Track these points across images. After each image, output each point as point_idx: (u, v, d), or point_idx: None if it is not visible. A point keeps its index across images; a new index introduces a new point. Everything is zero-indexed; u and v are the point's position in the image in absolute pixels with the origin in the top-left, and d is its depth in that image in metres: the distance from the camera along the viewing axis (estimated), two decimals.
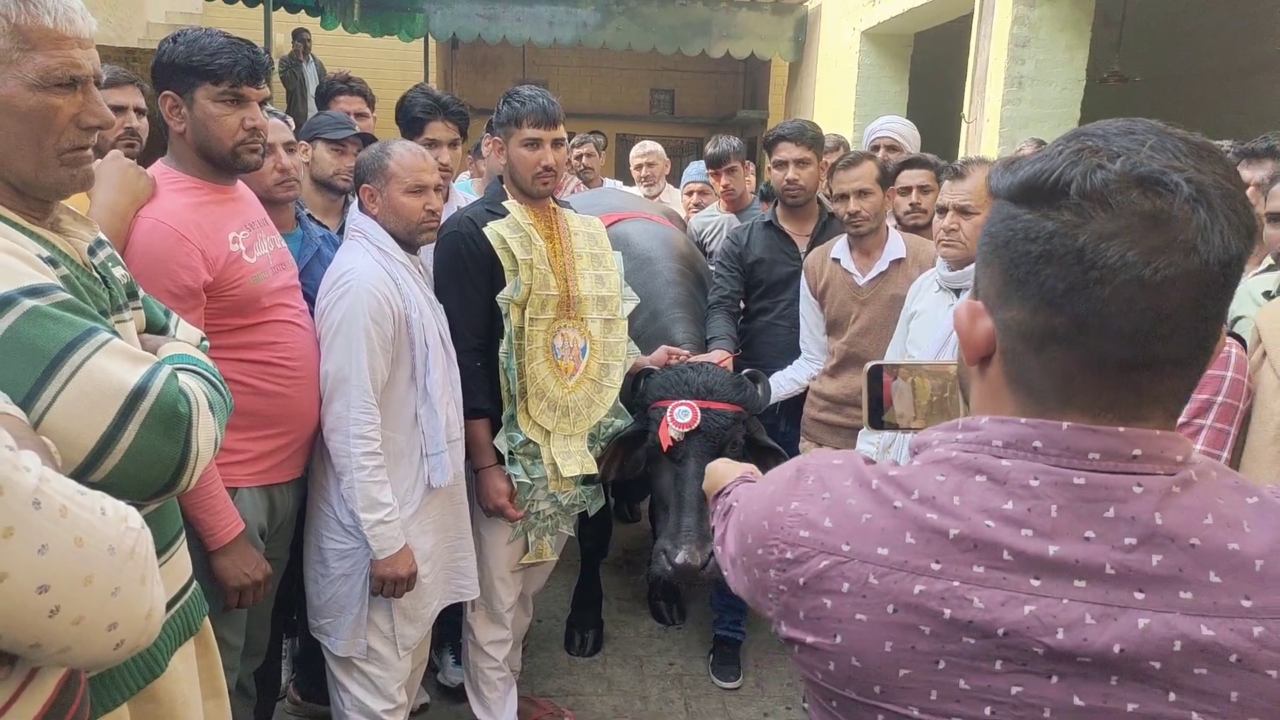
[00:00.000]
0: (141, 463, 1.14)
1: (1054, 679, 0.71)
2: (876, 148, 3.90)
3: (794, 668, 3.43)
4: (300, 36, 10.33)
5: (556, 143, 2.54)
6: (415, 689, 2.70)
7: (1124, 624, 0.70)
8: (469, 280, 2.52)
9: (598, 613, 3.72)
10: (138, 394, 1.14)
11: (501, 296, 2.50)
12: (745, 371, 2.89)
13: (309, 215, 2.74)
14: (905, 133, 4.14)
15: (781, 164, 3.24)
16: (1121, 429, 0.73)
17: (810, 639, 0.81)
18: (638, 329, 3.04)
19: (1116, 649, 0.69)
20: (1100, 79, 6.63)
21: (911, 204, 3.31)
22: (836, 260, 3.06)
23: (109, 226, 1.74)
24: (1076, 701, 0.71)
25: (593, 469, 2.66)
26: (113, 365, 1.13)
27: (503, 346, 2.52)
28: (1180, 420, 0.98)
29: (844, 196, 2.93)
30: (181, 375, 1.23)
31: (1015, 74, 5.03)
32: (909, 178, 3.30)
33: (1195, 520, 0.71)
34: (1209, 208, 0.68)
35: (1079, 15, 5.17)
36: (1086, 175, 0.69)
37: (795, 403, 3.27)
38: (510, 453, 2.57)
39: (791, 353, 3.28)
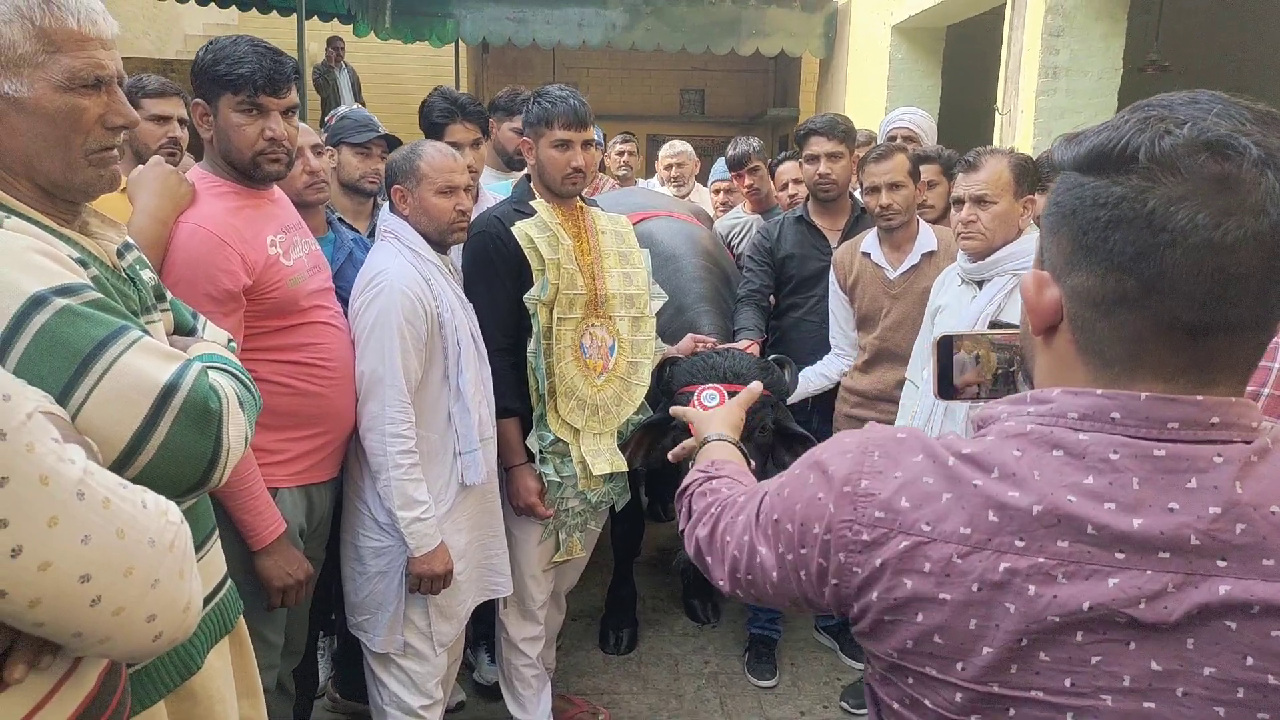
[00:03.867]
0: (174, 459, 1.15)
1: (1132, 645, 0.73)
2: (894, 138, 3.86)
3: (828, 668, 3.42)
4: (334, 44, 10.47)
5: (586, 144, 2.55)
6: (450, 685, 2.72)
7: (1205, 590, 0.71)
8: (497, 280, 2.53)
9: (632, 612, 3.72)
10: (169, 390, 1.15)
11: (529, 296, 2.51)
12: (772, 357, 2.88)
13: (339, 219, 2.77)
14: (922, 123, 4.10)
15: (813, 158, 3.22)
16: (1200, 397, 0.74)
17: (888, 618, 0.81)
18: (663, 324, 3.04)
19: (1195, 612, 0.71)
20: (1138, 69, 6.50)
21: (919, 200, 3.27)
22: (866, 254, 3.04)
23: (151, 232, 1.77)
24: (1154, 666, 0.73)
25: (622, 466, 2.66)
26: (144, 362, 1.15)
27: (531, 346, 2.53)
28: None
29: (875, 189, 2.91)
30: (211, 372, 1.25)
31: (1049, 64, 4.95)
32: (927, 173, 3.27)
33: (1275, 488, 0.73)
34: (1277, 171, 0.69)
35: (1114, 3, 5.08)
36: (1155, 140, 0.71)
37: (827, 398, 3.24)
38: (540, 451, 2.58)
39: (822, 349, 3.26)
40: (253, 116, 1.95)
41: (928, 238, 2.99)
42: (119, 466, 1.11)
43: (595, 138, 2.61)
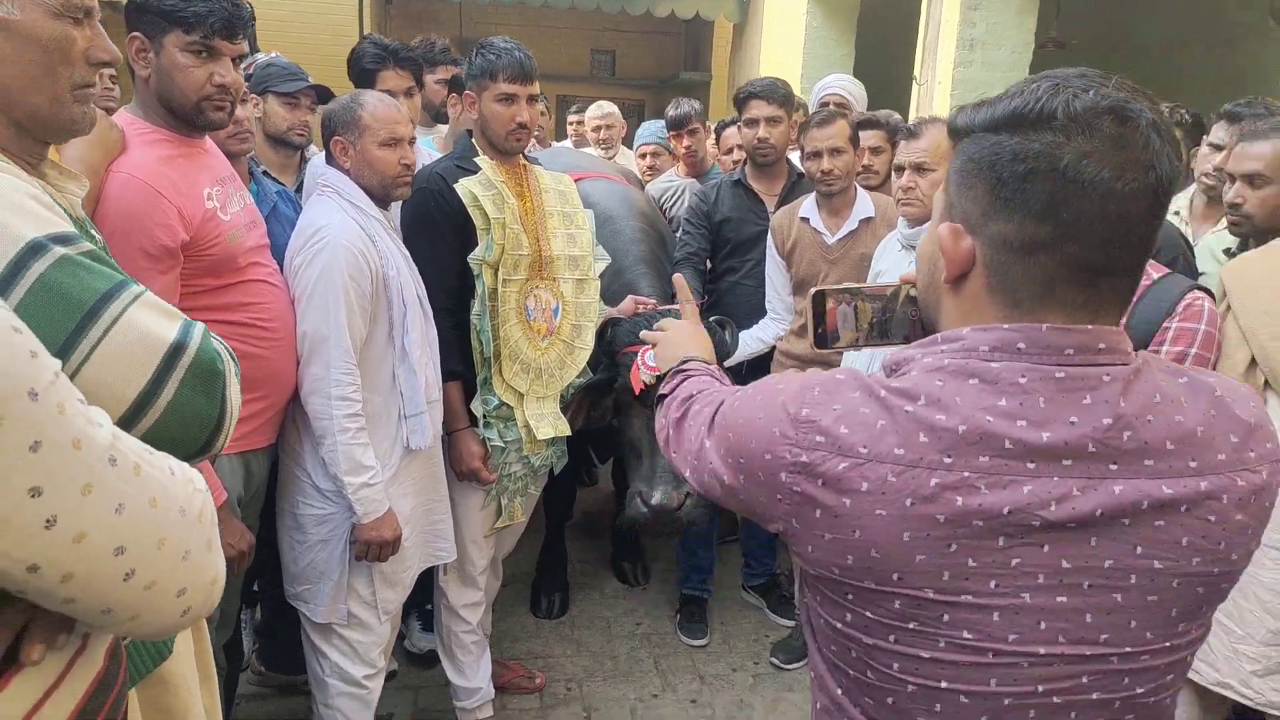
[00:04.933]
0: (181, 420, 1.08)
1: (1045, 548, 0.84)
2: (826, 104, 3.90)
3: (757, 625, 3.50)
4: None
5: (531, 99, 2.47)
6: (389, 653, 2.66)
7: (1103, 492, 0.83)
8: (440, 238, 2.44)
9: (564, 575, 3.72)
10: (177, 349, 1.08)
11: (473, 257, 2.44)
12: (713, 319, 2.89)
13: (264, 172, 2.63)
14: (854, 90, 4.15)
15: (752, 122, 3.22)
16: (1090, 326, 0.85)
17: (828, 536, 0.89)
18: (603, 286, 3.00)
19: (1098, 513, 0.83)
20: (1039, 45, 6.73)
21: (864, 165, 3.32)
22: (805, 219, 3.07)
23: None
24: (1064, 565, 0.84)
25: (566, 431, 2.64)
26: (149, 318, 1.08)
27: (475, 308, 2.46)
28: None
29: (816, 154, 2.93)
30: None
31: (967, 36, 5.07)
32: (862, 139, 3.31)
33: (1149, 400, 0.85)
34: (1159, 135, 0.81)
35: None
36: (1068, 102, 0.80)
37: (762, 362, 3.28)
38: (484, 416, 2.52)
39: (758, 312, 3.29)
40: (202, 59, 1.83)
41: (865, 204, 3.03)
42: (122, 427, 1.02)
43: (538, 92, 2.54)
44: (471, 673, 2.76)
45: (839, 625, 0.93)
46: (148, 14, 1.80)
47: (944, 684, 0.87)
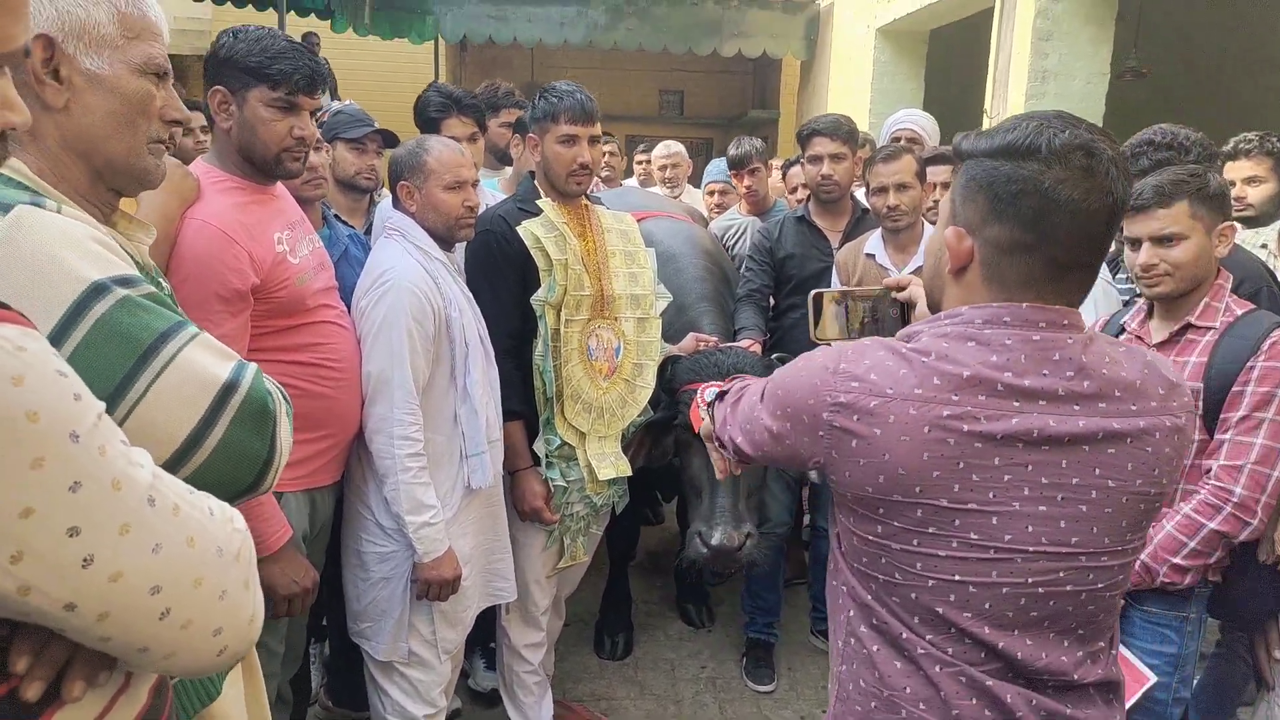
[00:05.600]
0: (230, 459, 1.11)
1: (1029, 466, 1.10)
2: (897, 139, 3.85)
3: (825, 671, 3.41)
4: (308, 40, 10.29)
5: (593, 140, 2.51)
6: (451, 692, 2.66)
7: (1070, 425, 1.10)
8: (502, 280, 2.47)
9: (627, 615, 3.68)
10: (229, 389, 1.11)
11: (536, 298, 2.46)
12: (775, 356, 2.85)
13: (335, 216, 2.70)
14: (926, 125, 4.09)
15: (816, 159, 3.20)
16: (1057, 306, 1.13)
17: (863, 461, 1.14)
18: (665, 324, 3.00)
19: (1066, 439, 1.10)
20: (1116, 75, 6.57)
21: (935, 200, 3.26)
22: (870, 256, 3.02)
23: (159, 229, 1.70)
24: (1043, 480, 1.11)
25: (627, 471, 2.62)
26: (204, 358, 1.11)
27: (537, 349, 2.48)
28: (1242, 413, 1.92)
29: (882, 190, 2.89)
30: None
31: (1039, 68, 4.97)
32: (933, 174, 3.26)
33: (1101, 359, 1.13)
34: (1117, 168, 1.07)
35: (1102, 8, 5.11)
36: (1049, 140, 1.07)
37: None
38: (546, 456, 2.53)
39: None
40: (284, 114, 1.91)
41: None
42: (173, 465, 1.06)
43: (600, 134, 2.57)
44: (533, 713, 2.74)
45: (871, 537, 1.18)
46: (232, 69, 1.87)
47: (957, 577, 1.12)
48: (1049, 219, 1.07)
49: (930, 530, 1.12)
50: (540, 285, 2.47)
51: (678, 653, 3.65)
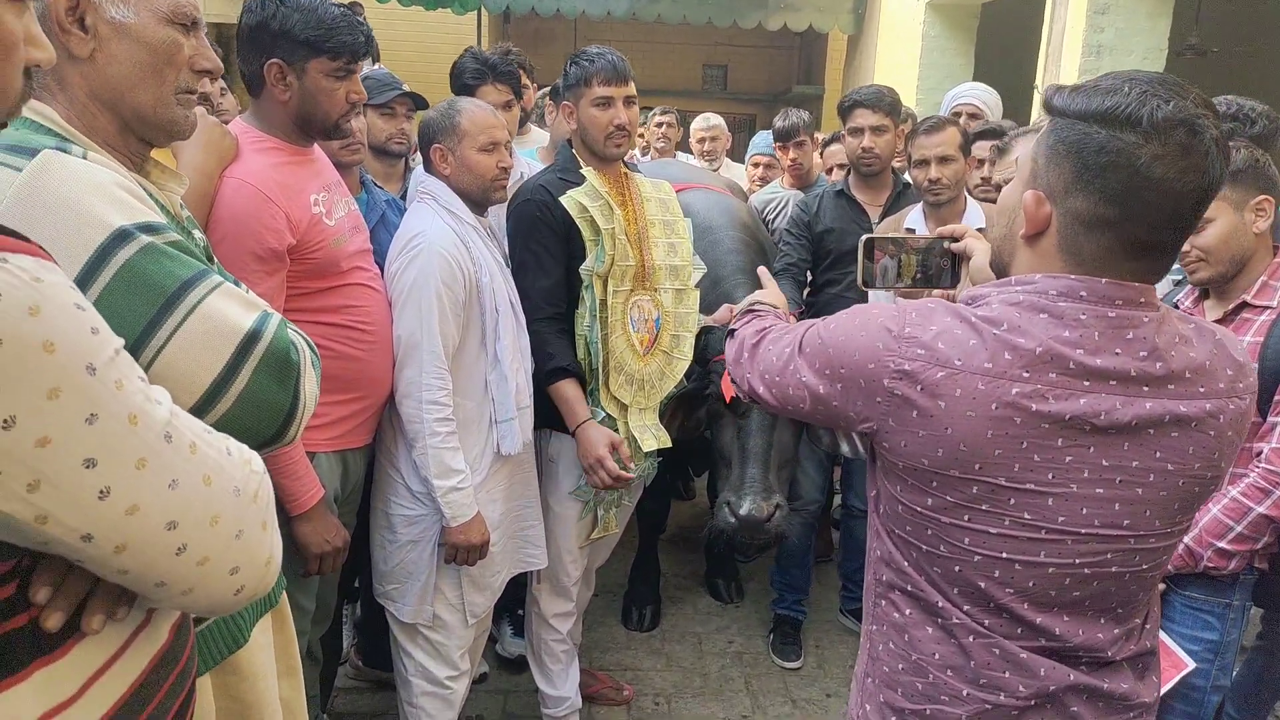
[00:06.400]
0: (253, 409, 1.11)
1: (1091, 449, 1.06)
2: (958, 114, 3.76)
3: (854, 650, 3.38)
4: (352, 9, 10.29)
5: (628, 100, 2.45)
6: (478, 656, 2.68)
7: (1137, 407, 1.06)
8: (545, 248, 2.43)
9: (655, 588, 3.68)
10: (252, 337, 1.12)
11: (585, 268, 2.42)
12: None
13: (372, 181, 2.71)
14: (988, 100, 3.97)
15: (857, 131, 3.14)
16: (1135, 284, 1.07)
17: (922, 433, 1.09)
18: (700, 297, 2.98)
19: (1133, 422, 1.06)
20: (1176, 53, 6.35)
21: (983, 178, 3.19)
22: (911, 230, 2.96)
23: (197, 186, 1.72)
24: (1104, 463, 1.07)
25: (667, 442, 2.60)
26: (228, 307, 1.11)
27: (584, 320, 2.44)
28: None
29: (924, 163, 2.83)
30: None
31: (1094, 43, 4.81)
32: (979, 150, 3.18)
33: (1173, 339, 1.08)
34: (1217, 148, 1.00)
35: None
36: (1153, 112, 0.98)
37: None
38: None
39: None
40: (343, 81, 1.93)
41: (976, 214, 2.90)
42: (196, 414, 1.06)
43: (635, 94, 2.52)
44: (560, 681, 2.76)
45: (919, 508, 1.14)
46: (289, 41, 1.87)
47: (1004, 554, 1.10)
48: (1137, 196, 1.01)
49: (983, 507, 1.09)
50: (584, 256, 2.43)
51: (705, 627, 3.65)
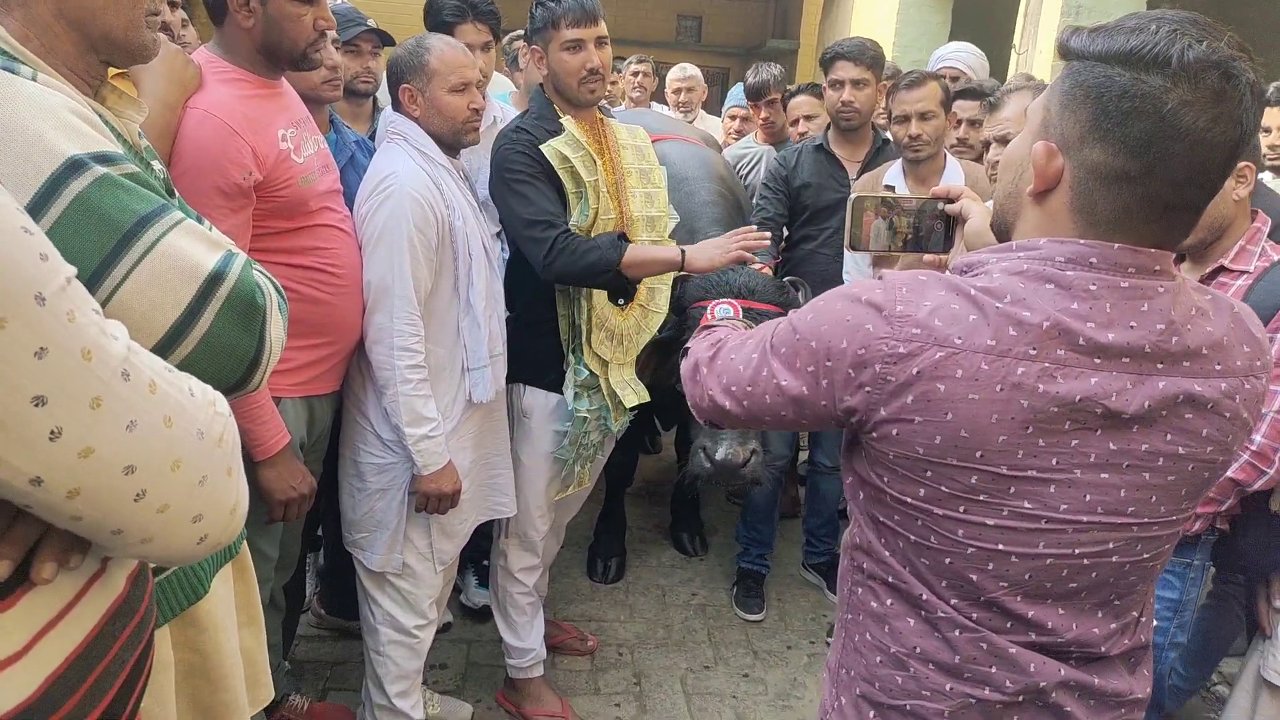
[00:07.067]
0: (215, 353, 1.06)
1: (1099, 432, 0.97)
2: (941, 77, 3.71)
3: (814, 605, 3.43)
4: None
5: (600, 41, 2.33)
6: (443, 606, 2.67)
7: (1149, 386, 0.96)
8: (534, 181, 2.30)
9: (621, 541, 3.70)
10: (215, 278, 1.05)
11: (571, 225, 2.34)
12: (788, 278, 2.79)
13: (340, 121, 2.61)
14: (974, 63, 3.91)
15: (837, 83, 3.09)
16: (1151, 250, 0.97)
17: (918, 419, 0.99)
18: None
19: (1146, 405, 0.96)
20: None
21: (959, 138, 3.16)
22: (890, 187, 2.94)
23: (159, 118, 1.63)
24: (1111, 446, 0.98)
25: (646, 397, 2.57)
26: (189, 245, 1.05)
27: None
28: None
29: (905, 119, 2.79)
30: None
31: (1073, 4, 4.78)
32: (959, 109, 3.14)
33: (1189, 312, 0.99)
34: (1253, 95, 0.89)
35: None
36: (1183, 52, 0.86)
37: None
38: (575, 388, 2.45)
39: (834, 282, 3.16)
40: (309, 6, 1.83)
41: (955, 172, 2.88)
42: None
43: (606, 34, 2.39)
44: (525, 633, 2.75)
45: (910, 499, 1.04)
46: None
47: (1000, 546, 1.02)
48: (1162, 147, 0.89)
49: (981, 498, 1.00)
50: (565, 208, 2.35)
51: (669, 579, 3.67)
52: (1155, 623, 1.89)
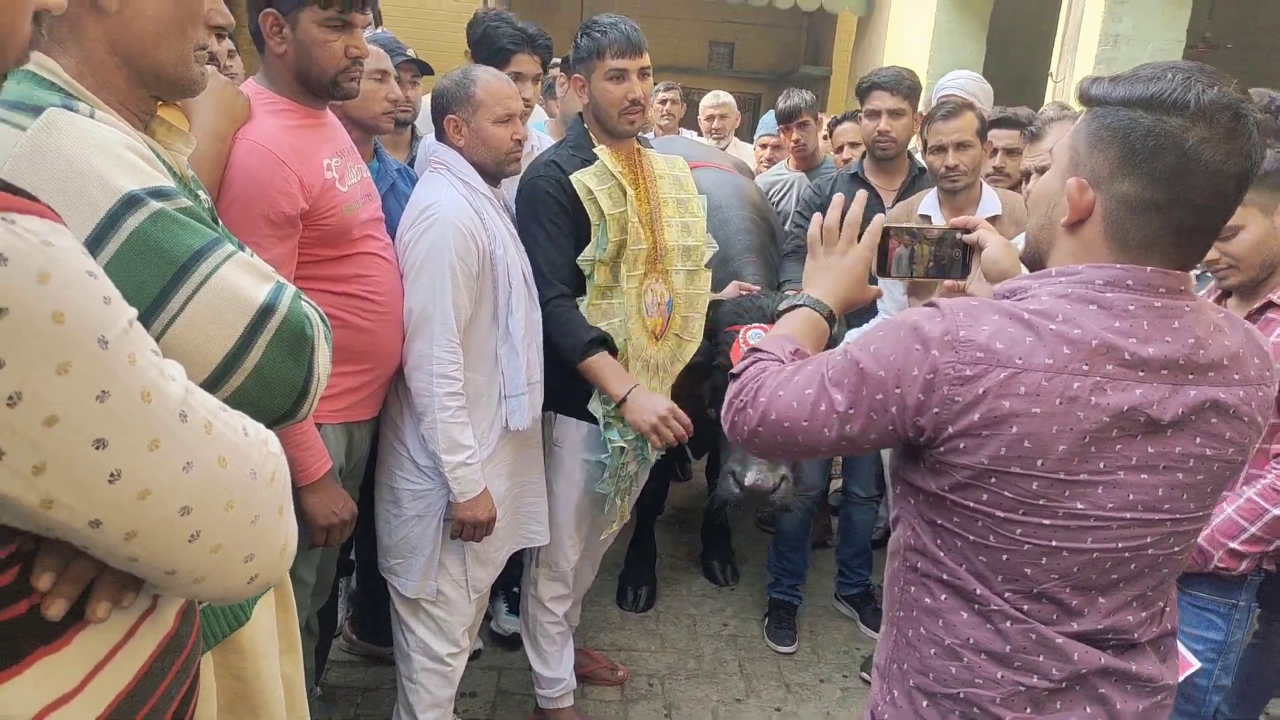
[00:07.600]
0: (266, 385, 1.07)
1: (1139, 437, 1.09)
2: (976, 107, 3.70)
3: (848, 638, 3.37)
4: None
5: (643, 73, 2.36)
6: (475, 633, 2.67)
7: (1183, 395, 1.08)
8: (557, 225, 2.35)
9: (651, 569, 3.67)
10: (266, 311, 1.07)
11: (583, 259, 2.35)
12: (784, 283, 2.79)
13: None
14: (976, 90, 3.89)
15: (874, 113, 3.09)
16: (1177, 272, 1.10)
17: (985, 433, 1.09)
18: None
19: (1180, 412, 1.08)
20: (1190, 46, 6.31)
21: (995, 167, 3.15)
22: (926, 217, 2.92)
23: (210, 149, 1.66)
24: (1150, 450, 1.09)
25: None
26: (241, 278, 1.07)
27: (583, 307, 2.36)
28: None
29: (941, 149, 2.78)
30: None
31: (1111, 32, 4.76)
32: (995, 138, 3.13)
33: (1209, 328, 1.11)
34: (1259, 132, 1.03)
35: None
36: (1198, 96, 1.00)
37: None
38: (604, 416, 2.43)
39: (868, 313, 3.15)
40: (338, 32, 1.84)
41: (992, 201, 2.87)
42: (207, 390, 1.02)
43: (649, 66, 2.41)
44: (555, 663, 2.73)
45: (972, 504, 1.13)
46: None
47: (1054, 543, 1.11)
48: (1186, 179, 1.03)
49: (1040, 502, 1.10)
50: (590, 240, 2.36)
51: (700, 609, 3.64)
52: (1200, 665, 1.86)
